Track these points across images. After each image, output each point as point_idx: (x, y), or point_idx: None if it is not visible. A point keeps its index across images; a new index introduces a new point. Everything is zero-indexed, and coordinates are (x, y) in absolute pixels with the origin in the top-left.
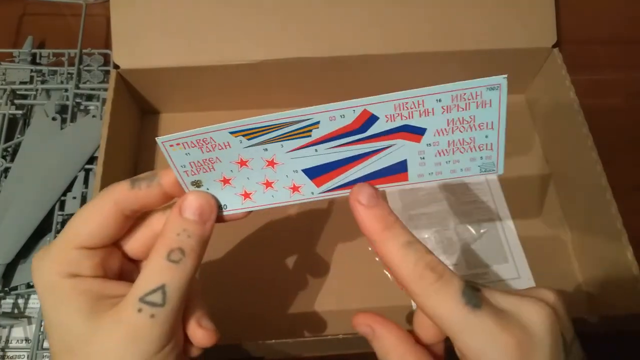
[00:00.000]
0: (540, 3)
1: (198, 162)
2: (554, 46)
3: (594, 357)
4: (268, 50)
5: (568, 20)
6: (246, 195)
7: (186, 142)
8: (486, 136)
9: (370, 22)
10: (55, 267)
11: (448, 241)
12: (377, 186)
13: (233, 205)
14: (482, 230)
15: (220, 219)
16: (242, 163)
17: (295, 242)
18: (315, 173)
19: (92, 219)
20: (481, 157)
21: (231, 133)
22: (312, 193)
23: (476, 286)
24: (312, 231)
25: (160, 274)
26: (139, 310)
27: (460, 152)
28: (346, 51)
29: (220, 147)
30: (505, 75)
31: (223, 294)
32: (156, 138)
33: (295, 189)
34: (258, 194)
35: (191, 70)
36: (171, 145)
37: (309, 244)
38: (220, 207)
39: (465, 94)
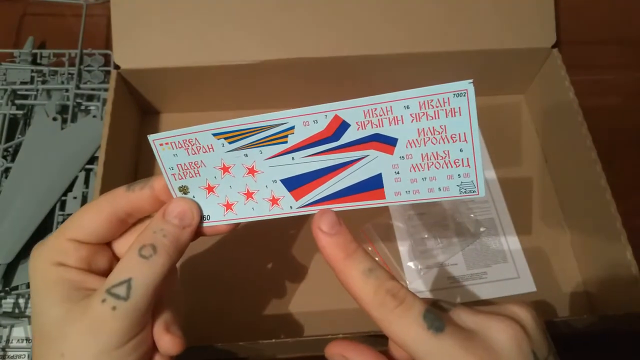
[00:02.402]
0: (540, 3)
1: (184, 164)
2: (553, 46)
3: (594, 357)
4: (268, 50)
5: (568, 20)
6: (228, 206)
7: (174, 142)
8: (461, 150)
9: (371, 22)
10: (46, 255)
11: (448, 241)
12: (356, 204)
13: (215, 216)
14: (481, 230)
15: (202, 231)
16: (225, 169)
17: (282, 244)
18: (293, 184)
19: (87, 214)
20: (459, 175)
21: (214, 135)
22: (291, 207)
23: (443, 306)
24: (296, 233)
25: (129, 267)
26: (103, 301)
27: (436, 167)
28: (346, 51)
29: (204, 150)
30: (471, 80)
31: (209, 295)
32: (148, 136)
33: (274, 201)
34: (239, 205)
35: (191, 70)
36: (161, 144)
37: (295, 246)
38: (202, 218)
39: (432, 100)
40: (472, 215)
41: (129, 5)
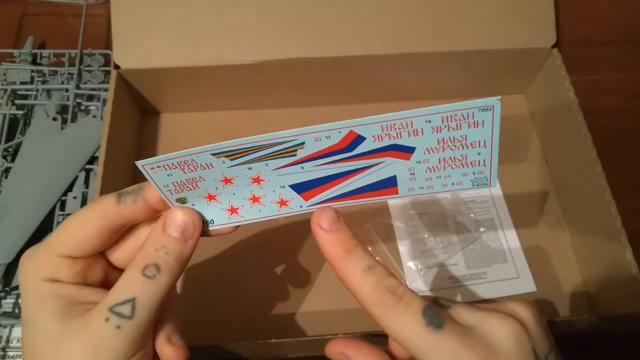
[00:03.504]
0: (540, 3)
1: (181, 181)
2: (553, 46)
3: (594, 357)
4: (268, 50)
5: (568, 20)
6: (233, 210)
7: (167, 165)
8: (478, 153)
9: (370, 22)
10: (37, 271)
11: (447, 241)
12: (367, 199)
13: (220, 220)
14: (481, 230)
15: (205, 233)
16: (227, 181)
17: (283, 244)
18: (302, 188)
19: (77, 230)
20: (473, 173)
21: (213, 155)
22: (301, 206)
23: (442, 304)
24: (298, 233)
25: (133, 287)
26: (106, 320)
27: (452, 168)
28: (346, 51)
29: (203, 168)
30: (499, 97)
31: (210, 296)
32: (136, 162)
33: (283, 203)
34: (245, 209)
35: (191, 70)
36: (152, 169)
37: (296, 246)
38: (205, 222)
39: (456, 115)
40: (472, 215)
41: (129, 5)
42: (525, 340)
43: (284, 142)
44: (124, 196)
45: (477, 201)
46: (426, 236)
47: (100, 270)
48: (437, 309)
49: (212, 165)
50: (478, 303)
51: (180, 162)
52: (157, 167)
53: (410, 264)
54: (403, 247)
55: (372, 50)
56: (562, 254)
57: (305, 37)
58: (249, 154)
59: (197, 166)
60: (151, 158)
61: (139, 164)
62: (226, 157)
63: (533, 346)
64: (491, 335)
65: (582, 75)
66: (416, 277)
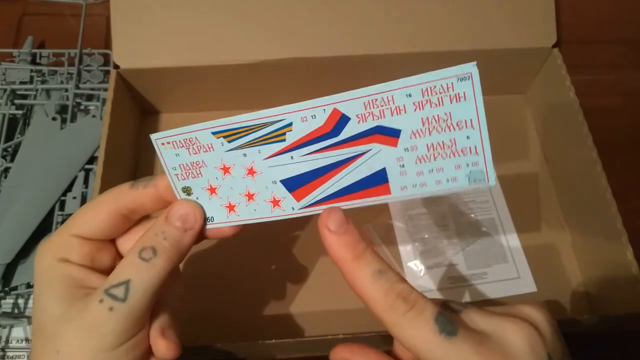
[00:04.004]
0: (540, 3)
1: (187, 164)
2: (554, 46)
3: (594, 357)
4: (268, 50)
5: (568, 20)
6: (231, 208)
7: (175, 141)
8: (467, 137)
9: (370, 22)
10: (51, 251)
11: (448, 241)
12: (360, 201)
13: (219, 217)
14: (482, 230)
15: (205, 234)
16: (225, 170)
17: (283, 244)
18: (293, 184)
19: (91, 209)
20: (467, 164)
21: (213, 134)
22: (293, 209)
23: (454, 308)
24: (297, 233)
25: (128, 269)
26: (100, 301)
27: (442, 157)
28: (346, 51)
29: (204, 150)
30: (475, 63)
31: (209, 295)
32: (150, 135)
33: (275, 202)
34: (241, 207)
35: (191, 70)
36: (163, 144)
37: (296, 246)
38: (206, 219)
39: (435, 87)
40: (472, 215)
41: (128, 5)
42: (540, 346)
43: (274, 123)
44: (137, 183)
45: (477, 201)
46: (426, 236)
47: (109, 257)
48: (449, 315)
49: (212, 147)
50: (483, 304)
51: (186, 139)
52: (167, 142)
53: (411, 264)
54: (403, 248)
55: (372, 50)
56: (562, 254)
57: (305, 37)
58: (244, 134)
59: (200, 147)
60: (163, 132)
61: (153, 137)
62: (224, 137)
63: (548, 351)
64: (506, 342)
65: (582, 75)
66: (416, 277)
